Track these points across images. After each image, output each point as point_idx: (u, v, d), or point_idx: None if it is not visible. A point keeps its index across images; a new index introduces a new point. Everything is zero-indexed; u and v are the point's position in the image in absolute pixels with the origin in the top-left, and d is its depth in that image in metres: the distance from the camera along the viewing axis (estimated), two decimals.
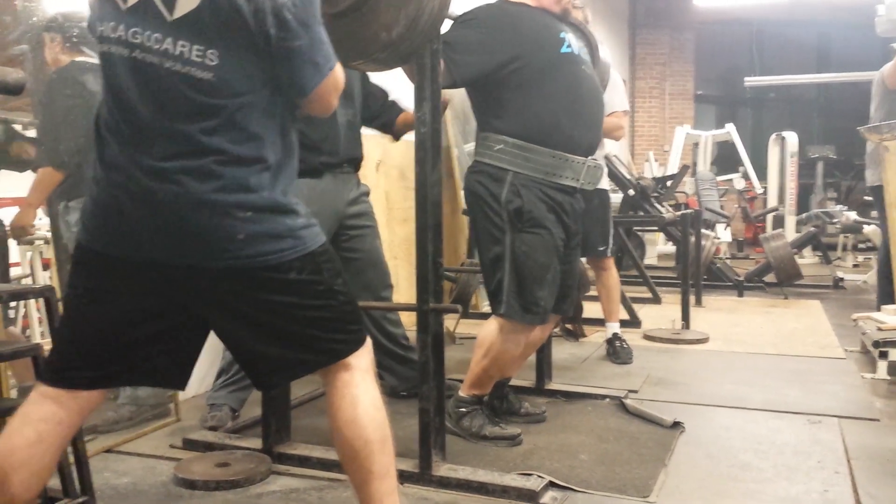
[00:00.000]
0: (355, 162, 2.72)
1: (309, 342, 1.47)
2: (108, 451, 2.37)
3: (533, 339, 2.52)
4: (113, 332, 1.42)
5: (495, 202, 2.27)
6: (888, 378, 3.22)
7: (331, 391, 1.51)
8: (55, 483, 1.80)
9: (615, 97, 3.51)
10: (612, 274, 3.69)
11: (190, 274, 1.39)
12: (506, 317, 2.30)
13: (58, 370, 1.44)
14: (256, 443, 2.31)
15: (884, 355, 3.25)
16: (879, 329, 3.42)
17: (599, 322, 3.82)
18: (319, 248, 1.47)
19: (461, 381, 2.53)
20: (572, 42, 2.35)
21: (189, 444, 2.38)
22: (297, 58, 1.37)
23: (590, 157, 2.36)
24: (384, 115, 2.84)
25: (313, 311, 1.46)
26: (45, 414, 1.42)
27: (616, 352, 3.59)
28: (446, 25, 2.13)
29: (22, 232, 2.53)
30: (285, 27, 1.33)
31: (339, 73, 1.46)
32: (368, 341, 1.56)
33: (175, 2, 1.32)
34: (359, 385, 1.50)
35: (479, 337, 2.40)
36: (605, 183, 3.68)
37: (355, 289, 2.70)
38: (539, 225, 2.27)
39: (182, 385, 1.56)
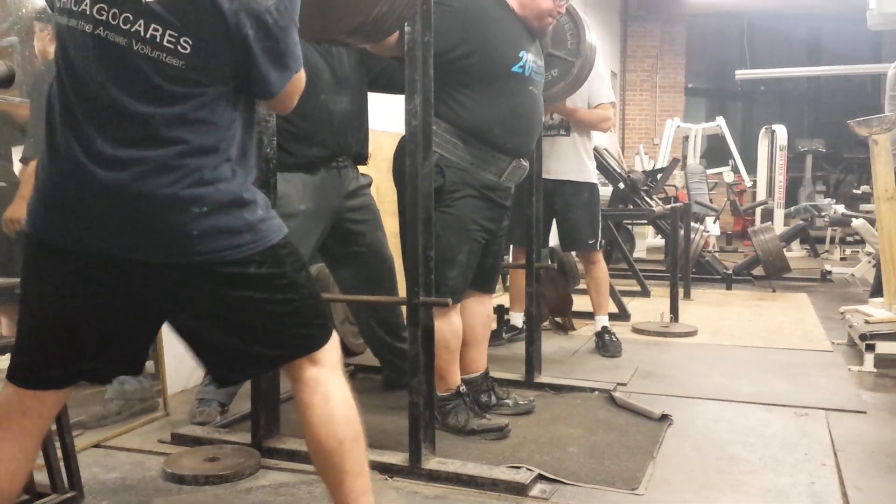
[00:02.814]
0: (351, 153, 2.63)
1: (271, 336, 1.45)
2: (97, 445, 2.36)
3: (474, 317, 2.58)
4: (73, 329, 1.39)
5: None
6: (875, 371, 3.25)
7: (300, 389, 1.48)
8: (43, 478, 1.80)
9: (602, 89, 3.52)
10: (601, 267, 3.70)
11: (144, 269, 1.35)
12: None
13: (27, 373, 1.41)
14: (245, 437, 2.30)
15: (871, 348, 3.27)
16: (867, 322, 3.45)
17: (589, 315, 3.83)
18: (281, 241, 1.44)
19: None
20: (528, 63, 2.42)
21: (178, 439, 2.37)
22: (269, 60, 1.35)
23: (516, 159, 2.44)
24: (384, 74, 2.70)
25: (275, 306, 1.43)
26: (26, 409, 1.41)
27: (605, 345, 3.60)
28: None
29: (16, 225, 2.51)
30: (264, 30, 1.32)
31: (302, 75, 1.46)
32: (335, 337, 1.53)
33: None
34: (328, 382, 1.47)
35: None
36: (594, 177, 3.69)
37: (363, 282, 2.69)
38: (455, 206, 2.34)
39: (139, 370, 1.54)
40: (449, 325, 2.40)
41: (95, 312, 1.39)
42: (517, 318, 3.85)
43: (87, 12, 1.29)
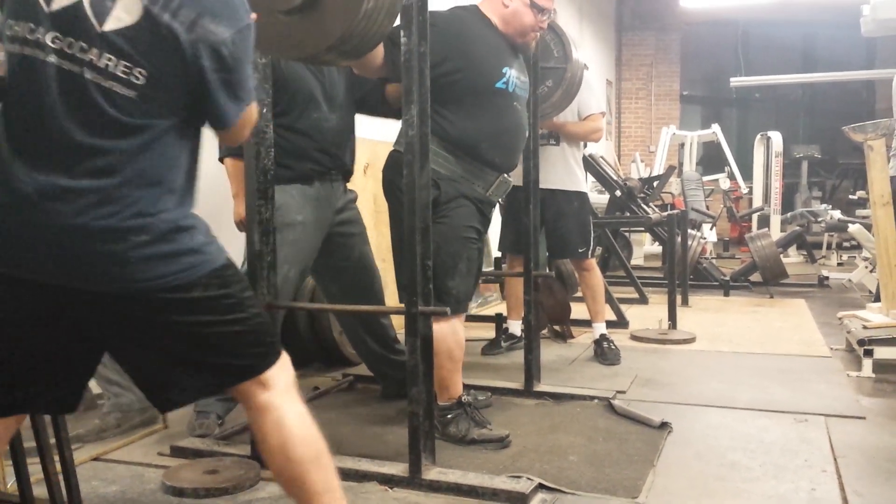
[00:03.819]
0: (343, 169, 2.68)
1: (220, 358, 1.42)
2: (96, 459, 2.35)
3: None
4: (12, 356, 1.38)
5: None
6: (873, 376, 3.25)
7: (253, 415, 1.46)
8: (42, 492, 1.79)
9: (591, 99, 3.53)
10: (595, 274, 3.70)
11: (88, 298, 1.33)
12: None
13: None
14: (245, 449, 2.30)
15: (869, 353, 3.28)
16: (864, 327, 3.45)
17: (587, 323, 3.82)
18: (226, 263, 1.42)
19: None
20: (511, 78, 2.45)
21: (177, 452, 2.36)
22: (224, 92, 1.35)
23: (502, 174, 2.48)
24: (371, 97, 2.74)
25: (224, 327, 1.41)
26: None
27: (604, 353, 3.60)
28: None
29: None
30: (219, 62, 1.32)
31: (255, 108, 1.46)
32: (286, 357, 1.51)
33: (107, 14, 1.26)
34: (280, 405, 1.45)
35: None
36: (584, 186, 3.70)
37: (351, 296, 2.72)
38: (450, 215, 2.36)
39: (75, 408, 1.50)
40: (453, 335, 2.40)
41: (37, 340, 1.37)
42: (515, 327, 3.85)
43: (41, 41, 1.27)
